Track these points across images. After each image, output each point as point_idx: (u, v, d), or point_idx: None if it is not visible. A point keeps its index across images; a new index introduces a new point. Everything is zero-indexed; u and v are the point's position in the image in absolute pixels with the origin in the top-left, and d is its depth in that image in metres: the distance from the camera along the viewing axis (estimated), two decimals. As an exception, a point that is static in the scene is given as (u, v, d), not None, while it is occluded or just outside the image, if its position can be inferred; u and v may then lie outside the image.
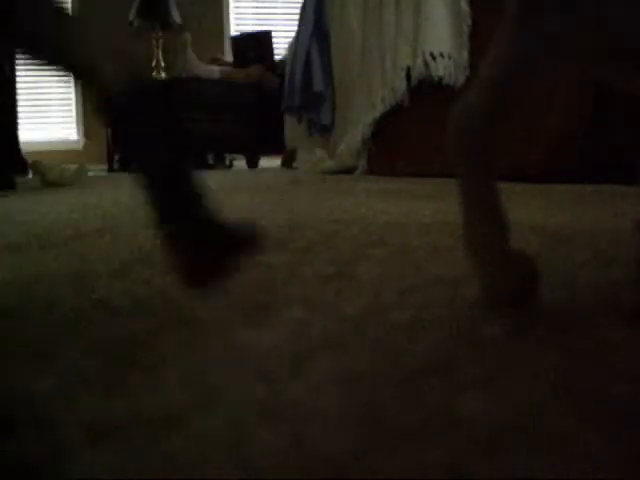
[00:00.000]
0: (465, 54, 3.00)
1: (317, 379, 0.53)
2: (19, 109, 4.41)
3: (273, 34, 5.41)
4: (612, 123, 2.36)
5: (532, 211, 1.56)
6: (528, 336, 0.65)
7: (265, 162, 5.58)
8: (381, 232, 1.29)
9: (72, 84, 6.22)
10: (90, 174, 3.96)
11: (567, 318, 0.70)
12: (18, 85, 4.42)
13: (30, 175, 3.64)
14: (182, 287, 0.71)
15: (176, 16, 5.44)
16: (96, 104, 0.68)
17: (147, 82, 0.69)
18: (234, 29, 6.29)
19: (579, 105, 2.43)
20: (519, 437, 0.43)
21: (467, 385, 0.51)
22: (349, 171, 3.51)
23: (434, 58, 3.06)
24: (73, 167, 3.42)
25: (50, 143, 6.04)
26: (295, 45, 4.13)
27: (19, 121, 4.33)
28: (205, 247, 0.68)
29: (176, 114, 0.69)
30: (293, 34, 4.28)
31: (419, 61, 3.13)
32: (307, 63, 3.95)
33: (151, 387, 0.52)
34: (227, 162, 5.67)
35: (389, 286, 0.85)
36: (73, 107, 6.29)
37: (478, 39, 2.88)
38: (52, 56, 0.67)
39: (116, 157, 5.50)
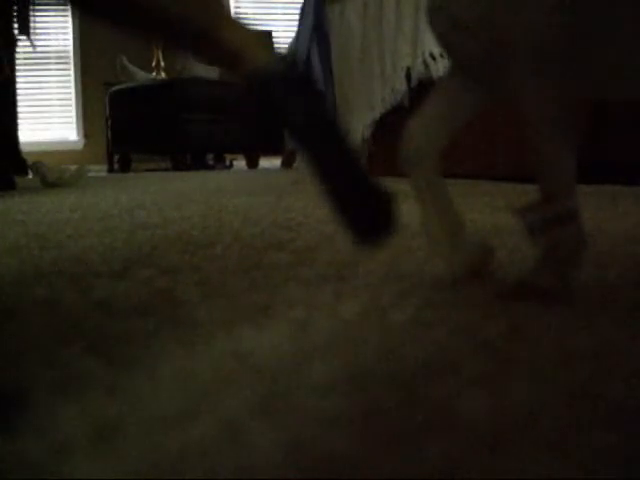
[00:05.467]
0: (465, 54, 3.00)
1: (317, 379, 0.53)
2: (19, 109, 4.41)
3: (273, 34, 5.41)
4: (612, 123, 2.36)
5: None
6: (528, 336, 0.65)
7: (265, 162, 5.59)
8: (381, 232, 1.28)
9: (72, 84, 6.22)
10: (90, 174, 3.96)
11: (567, 318, 0.70)
12: (18, 85, 4.43)
13: (30, 175, 3.64)
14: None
15: (176, 16, 5.44)
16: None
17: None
18: (234, 29, 6.29)
19: (578, 106, 2.43)
20: (519, 437, 0.43)
21: (467, 385, 0.51)
22: (349, 171, 3.50)
23: (434, 58, 3.06)
24: (73, 167, 3.42)
25: (50, 143, 6.05)
26: (295, 45, 4.13)
27: (19, 121, 4.34)
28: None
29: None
30: (293, 34, 4.29)
31: (419, 61, 3.13)
32: (307, 63, 3.94)
33: (151, 387, 0.52)
34: (227, 162, 5.68)
35: (389, 286, 0.85)
36: (73, 107, 6.29)
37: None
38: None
39: (116, 157, 5.51)
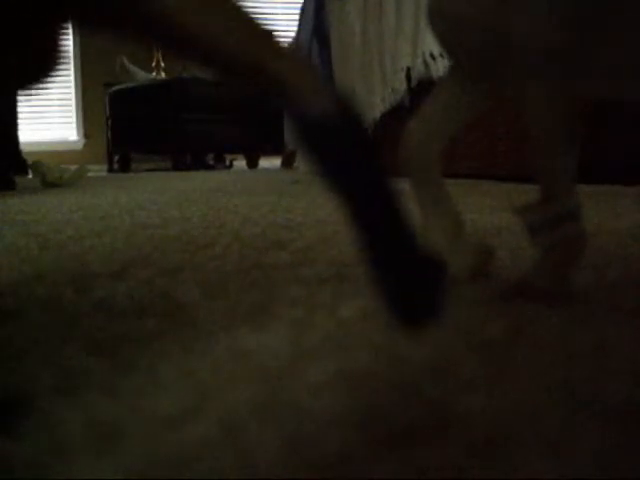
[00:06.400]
0: (465, 54, 3.00)
1: (316, 379, 0.53)
2: (19, 109, 4.42)
3: (273, 34, 5.40)
4: (612, 123, 2.36)
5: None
6: (528, 336, 0.65)
7: (265, 162, 5.59)
8: (381, 232, 1.28)
9: (72, 84, 6.22)
10: (90, 174, 3.96)
11: (567, 318, 0.70)
12: (18, 85, 4.42)
13: (30, 175, 3.64)
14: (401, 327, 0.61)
15: (176, 16, 5.43)
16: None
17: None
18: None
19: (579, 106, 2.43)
20: (519, 437, 0.43)
21: (467, 385, 0.51)
22: (349, 171, 3.50)
23: (434, 58, 3.06)
24: (73, 167, 3.42)
25: (50, 143, 6.05)
26: (295, 45, 4.13)
27: (19, 121, 4.34)
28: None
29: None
30: (293, 34, 4.29)
31: (419, 61, 3.13)
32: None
33: (151, 387, 0.52)
34: (227, 162, 5.68)
35: (389, 286, 0.85)
36: (73, 107, 6.29)
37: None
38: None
39: (116, 157, 5.51)
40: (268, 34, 0.61)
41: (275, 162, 5.29)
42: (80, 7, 0.55)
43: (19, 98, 4.42)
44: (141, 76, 5.43)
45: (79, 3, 0.55)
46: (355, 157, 0.58)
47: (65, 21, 0.57)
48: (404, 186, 0.90)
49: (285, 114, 0.61)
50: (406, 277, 0.58)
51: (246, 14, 0.60)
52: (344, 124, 0.58)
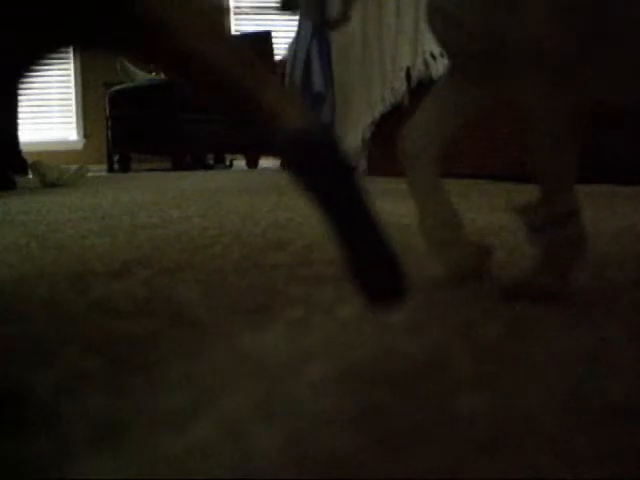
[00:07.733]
0: (465, 54, 3.00)
1: (316, 379, 0.53)
2: (19, 109, 4.41)
3: (273, 34, 5.41)
4: (612, 123, 2.37)
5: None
6: (528, 336, 0.65)
7: (265, 162, 5.59)
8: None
9: (72, 84, 6.22)
10: (90, 174, 3.96)
11: (567, 318, 0.70)
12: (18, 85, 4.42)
13: (30, 175, 3.64)
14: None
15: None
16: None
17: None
18: (234, 29, 6.29)
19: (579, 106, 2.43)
20: (519, 437, 0.43)
21: (467, 385, 0.51)
22: (349, 171, 3.50)
23: (434, 58, 3.06)
24: (73, 167, 3.42)
25: (50, 143, 6.05)
26: (295, 45, 4.13)
27: (19, 121, 4.33)
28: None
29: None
30: (293, 34, 4.29)
31: (419, 61, 3.13)
32: (307, 63, 3.95)
33: (151, 387, 0.52)
34: (227, 162, 5.68)
35: (389, 286, 0.85)
36: (73, 107, 6.29)
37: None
38: None
39: (116, 157, 5.51)
40: (253, 60, 0.66)
41: (275, 162, 5.30)
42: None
43: (20, 98, 4.42)
44: (141, 76, 5.43)
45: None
46: (331, 172, 0.64)
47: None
48: (403, 186, 0.90)
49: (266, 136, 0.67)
50: (376, 265, 0.67)
51: (235, 43, 0.66)
52: (319, 144, 0.63)
